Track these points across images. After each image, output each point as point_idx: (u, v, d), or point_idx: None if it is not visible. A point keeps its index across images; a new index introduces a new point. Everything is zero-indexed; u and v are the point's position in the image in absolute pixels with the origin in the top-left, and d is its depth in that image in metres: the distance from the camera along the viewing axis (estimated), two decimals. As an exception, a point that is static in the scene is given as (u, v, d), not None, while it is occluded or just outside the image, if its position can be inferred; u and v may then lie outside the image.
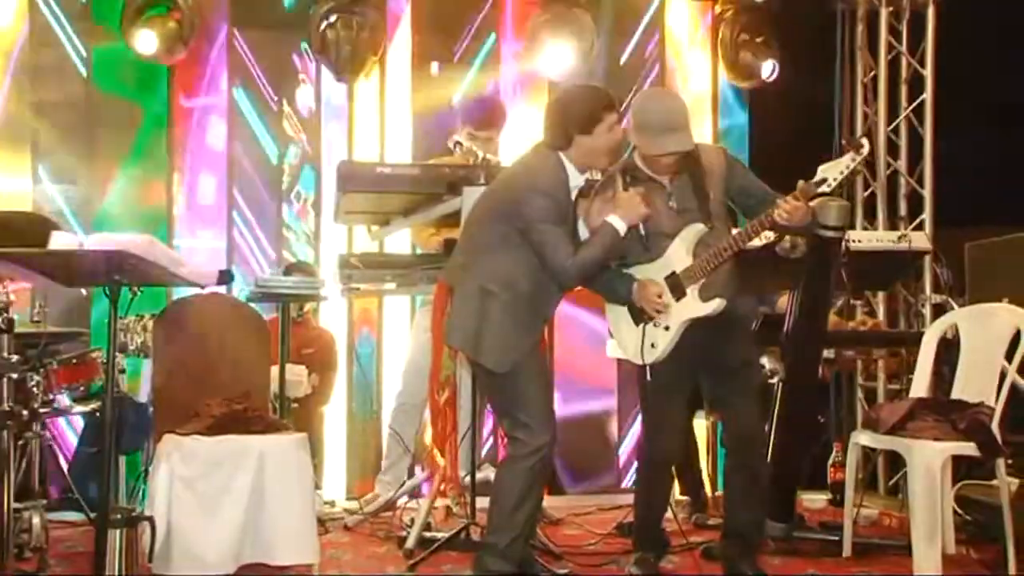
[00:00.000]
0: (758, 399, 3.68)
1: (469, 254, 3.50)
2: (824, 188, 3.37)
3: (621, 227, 3.38)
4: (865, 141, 3.40)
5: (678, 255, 3.49)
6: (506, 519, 3.38)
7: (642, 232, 3.45)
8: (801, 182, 3.39)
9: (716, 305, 3.46)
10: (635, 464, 4.64)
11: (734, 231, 3.52)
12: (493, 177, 3.84)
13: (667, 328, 3.48)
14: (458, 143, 4.58)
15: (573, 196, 3.47)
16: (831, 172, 3.36)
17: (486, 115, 4.74)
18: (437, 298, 3.63)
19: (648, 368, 3.50)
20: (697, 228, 3.49)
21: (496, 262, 3.41)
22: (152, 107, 5.62)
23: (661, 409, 3.63)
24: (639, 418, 4.26)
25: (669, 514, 3.86)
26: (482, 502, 3.87)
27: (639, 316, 3.52)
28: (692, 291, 3.47)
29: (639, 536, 3.78)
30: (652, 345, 3.49)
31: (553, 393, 3.62)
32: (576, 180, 3.45)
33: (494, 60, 6.02)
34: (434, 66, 5.88)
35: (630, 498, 3.94)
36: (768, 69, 6.07)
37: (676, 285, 3.48)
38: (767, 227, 3.44)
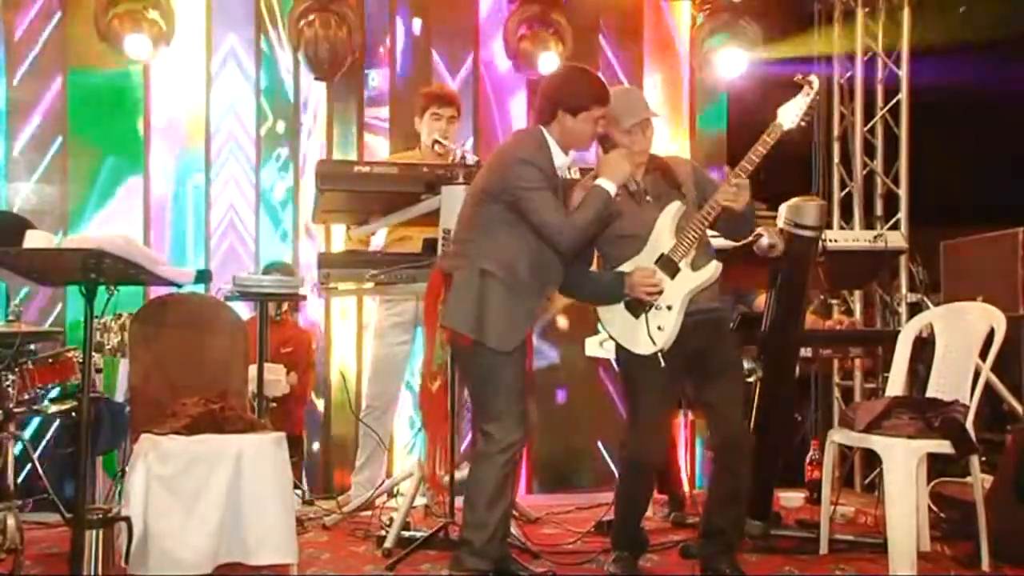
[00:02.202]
0: (744, 401, 3.70)
1: (465, 240, 3.49)
2: (789, 126, 3.45)
3: (610, 187, 3.38)
4: (814, 77, 3.48)
5: (662, 237, 3.52)
6: (480, 516, 3.38)
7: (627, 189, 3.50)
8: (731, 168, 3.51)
9: (713, 269, 3.50)
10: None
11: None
12: (472, 176, 3.86)
13: (670, 308, 3.49)
14: (436, 141, 4.59)
15: (560, 174, 3.48)
16: (789, 114, 3.46)
17: (444, 94, 4.82)
18: (431, 287, 3.61)
19: (661, 354, 3.49)
20: (675, 206, 3.53)
21: (492, 243, 3.40)
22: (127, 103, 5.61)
23: (648, 411, 3.62)
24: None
25: (648, 512, 3.86)
26: (460, 501, 3.87)
27: (637, 308, 3.52)
28: (684, 264, 3.50)
29: (618, 535, 3.78)
30: (659, 328, 3.49)
31: (524, 394, 3.56)
32: (560, 159, 3.46)
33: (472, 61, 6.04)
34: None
35: (608, 496, 3.95)
36: (739, 63, 6.10)
37: (668, 264, 3.49)
38: (717, 211, 3.47)
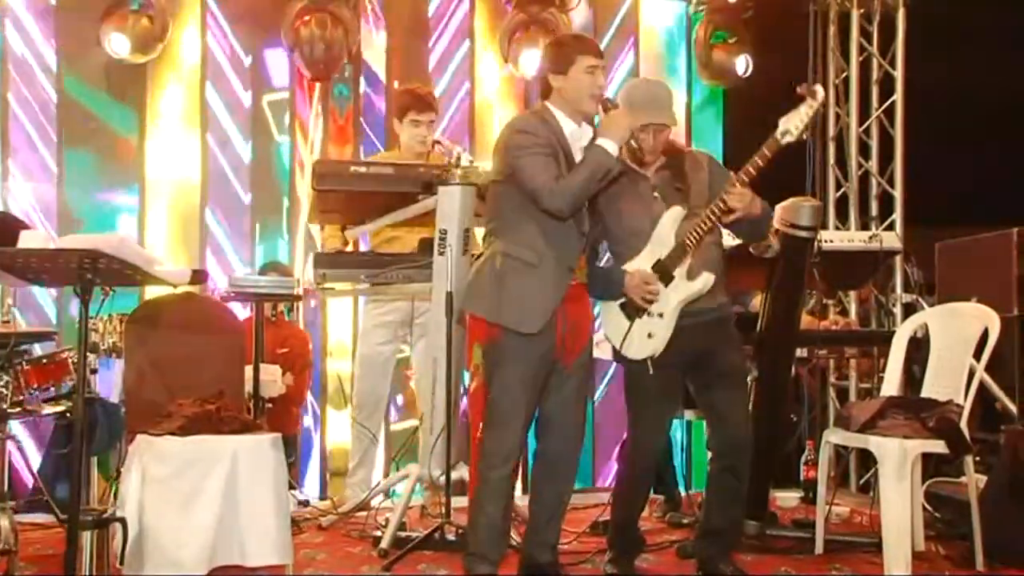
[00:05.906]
0: (746, 402, 3.69)
1: (488, 230, 3.49)
2: (788, 139, 3.36)
3: (611, 147, 3.29)
4: (819, 88, 3.40)
5: (661, 241, 3.50)
6: (478, 522, 3.37)
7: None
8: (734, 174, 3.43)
9: (704, 280, 3.46)
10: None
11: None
12: (468, 177, 3.85)
13: (661, 316, 3.47)
14: (437, 142, 4.58)
15: (575, 147, 3.38)
16: (791, 123, 3.35)
17: (423, 98, 4.76)
18: None
19: (649, 360, 3.47)
20: (676, 211, 3.50)
21: (506, 225, 3.38)
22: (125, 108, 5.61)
23: (649, 413, 3.61)
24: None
25: (644, 512, 3.86)
26: (456, 501, 3.87)
27: (631, 311, 3.50)
28: (680, 273, 3.48)
29: (615, 535, 3.78)
30: (649, 335, 3.48)
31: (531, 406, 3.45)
32: (571, 127, 3.40)
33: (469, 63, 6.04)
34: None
35: (604, 496, 3.94)
36: (742, 65, 6.12)
37: (664, 271, 3.47)
38: (723, 210, 3.41)
